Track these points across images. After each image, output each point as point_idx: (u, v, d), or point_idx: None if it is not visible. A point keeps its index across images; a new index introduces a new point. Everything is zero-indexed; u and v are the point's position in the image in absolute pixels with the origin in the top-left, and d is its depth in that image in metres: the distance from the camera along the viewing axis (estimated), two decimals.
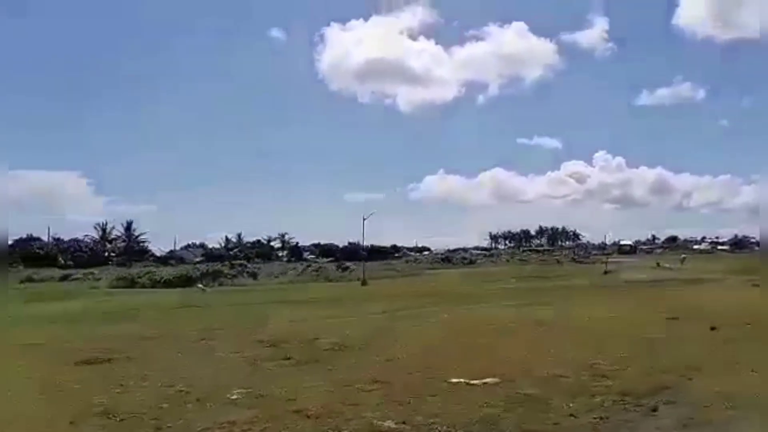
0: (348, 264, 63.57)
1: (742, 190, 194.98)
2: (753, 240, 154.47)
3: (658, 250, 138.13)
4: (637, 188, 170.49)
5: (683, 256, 74.13)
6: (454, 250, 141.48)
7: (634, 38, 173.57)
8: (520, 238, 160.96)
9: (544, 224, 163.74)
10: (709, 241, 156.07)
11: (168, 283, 48.67)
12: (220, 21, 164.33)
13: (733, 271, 41.76)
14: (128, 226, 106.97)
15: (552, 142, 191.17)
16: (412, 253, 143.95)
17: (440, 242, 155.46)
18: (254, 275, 55.87)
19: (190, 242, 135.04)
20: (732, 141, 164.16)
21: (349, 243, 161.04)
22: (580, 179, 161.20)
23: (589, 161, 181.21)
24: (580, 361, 10.58)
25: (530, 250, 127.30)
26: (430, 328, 16.04)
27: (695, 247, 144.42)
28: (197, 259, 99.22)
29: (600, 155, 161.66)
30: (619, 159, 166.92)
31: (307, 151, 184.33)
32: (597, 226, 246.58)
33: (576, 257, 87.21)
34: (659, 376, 9.36)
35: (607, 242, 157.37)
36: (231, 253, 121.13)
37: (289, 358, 11.62)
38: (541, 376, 9.47)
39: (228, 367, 11.10)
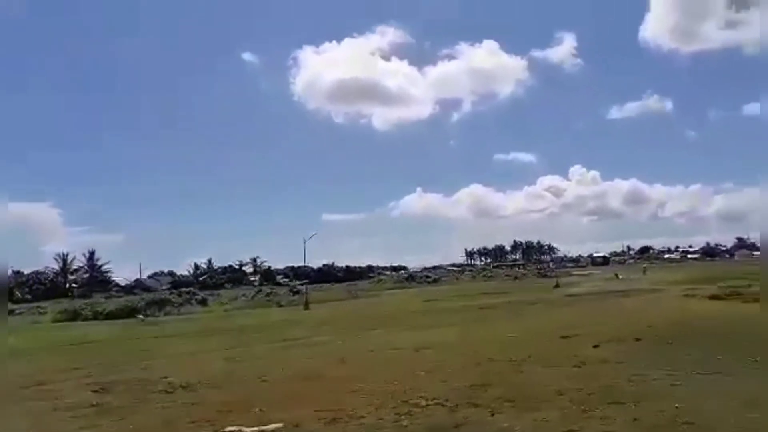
0: (300, 287, 62.31)
1: (714, 199, 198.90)
2: (723, 248, 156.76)
3: (630, 261, 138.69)
4: (612, 200, 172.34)
5: (644, 266, 74.30)
6: (432, 268, 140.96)
7: (602, 53, 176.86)
8: (496, 254, 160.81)
9: (519, 239, 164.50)
10: (681, 250, 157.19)
11: (110, 315, 46.89)
12: (192, 45, 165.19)
13: (682, 281, 41.32)
14: (90, 256, 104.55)
15: (528, 157, 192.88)
16: (388, 273, 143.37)
17: (419, 260, 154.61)
18: (204, 302, 54.29)
19: (158, 270, 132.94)
20: (701, 151, 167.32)
21: (324, 265, 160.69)
22: (557, 193, 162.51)
23: (565, 175, 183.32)
24: (401, 396, 9.66)
25: (503, 266, 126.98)
26: (294, 361, 15.00)
27: (666, 256, 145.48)
28: (164, 287, 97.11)
29: (575, 169, 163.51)
30: (594, 172, 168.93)
31: (284, 173, 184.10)
32: (575, 238, 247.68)
33: (541, 271, 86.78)
34: (465, 411, 8.46)
35: (583, 254, 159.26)
36: (200, 279, 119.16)
37: (95, 405, 10.52)
38: (337, 418, 8.50)
39: (21, 414, 9.99)
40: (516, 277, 70.76)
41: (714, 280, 36.84)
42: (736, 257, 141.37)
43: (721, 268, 74.55)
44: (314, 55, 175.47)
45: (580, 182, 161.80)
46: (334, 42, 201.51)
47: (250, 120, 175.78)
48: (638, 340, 14.75)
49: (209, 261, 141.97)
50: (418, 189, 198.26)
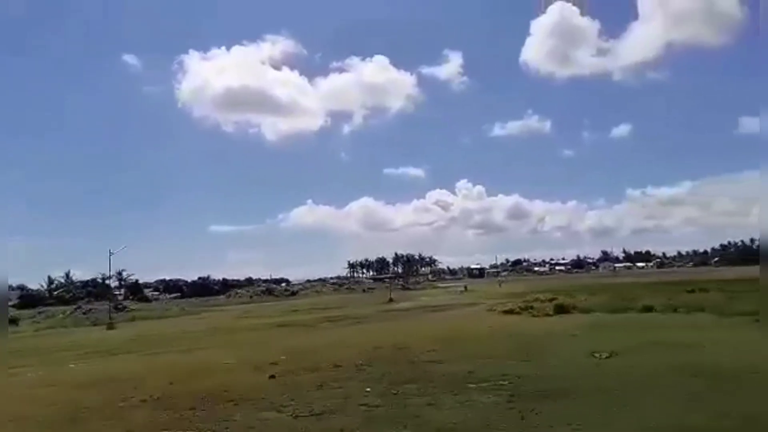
0: (126, 304, 57.49)
1: (587, 215, 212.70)
2: (590, 260, 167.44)
3: (504, 273, 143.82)
4: (496, 214, 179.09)
5: (500, 279, 76.37)
6: (316, 281, 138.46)
7: (486, 73, 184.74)
8: (378, 267, 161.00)
9: (408, 251, 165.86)
10: (554, 262, 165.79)
11: None
12: (68, 44, 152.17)
13: (512, 295, 41.55)
14: None
15: (416, 172, 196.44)
16: (266, 285, 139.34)
17: (307, 272, 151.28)
18: (15, 321, 48.19)
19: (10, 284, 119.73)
20: (576, 169, 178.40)
21: (200, 278, 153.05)
22: (445, 207, 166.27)
23: (452, 189, 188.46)
24: None
25: (385, 278, 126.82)
26: None
27: (536, 269, 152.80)
28: (11, 303, 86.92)
29: (462, 183, 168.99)
30: (480, 187, 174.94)
31: (170, 182, 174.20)
32: (462, 251, 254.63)
33: (405, 284, 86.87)
34: None
35: (467, 266, 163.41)
36: (56, 294, 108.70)
37: None
38: None
39: None
40: (364, 289, 69.33)
41: (546, 292, 37.10)
42: (600, 269, 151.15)
43: (571, 280, 78.25)
44: (201, 61, 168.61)
45: (467, 197, 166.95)
46: (222, 48, 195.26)
47: (131, 126, 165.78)
48: (337, 366, 13.23)
49: (66, 274, 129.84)
50: (309, 201, 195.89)
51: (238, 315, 38.94)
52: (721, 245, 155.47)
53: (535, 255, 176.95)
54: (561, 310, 25.40)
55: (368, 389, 10.30)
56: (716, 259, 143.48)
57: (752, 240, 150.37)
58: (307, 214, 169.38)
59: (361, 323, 26.35)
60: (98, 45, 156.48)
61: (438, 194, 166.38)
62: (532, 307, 27.12)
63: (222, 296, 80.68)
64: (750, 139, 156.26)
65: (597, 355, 13.09)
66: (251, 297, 72.08)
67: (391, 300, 44.54)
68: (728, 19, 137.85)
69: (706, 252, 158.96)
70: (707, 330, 16.80)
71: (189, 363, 15.93)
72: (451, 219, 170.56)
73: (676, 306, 22.25)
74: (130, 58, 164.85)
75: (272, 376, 12.21)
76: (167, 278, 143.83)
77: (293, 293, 76.63)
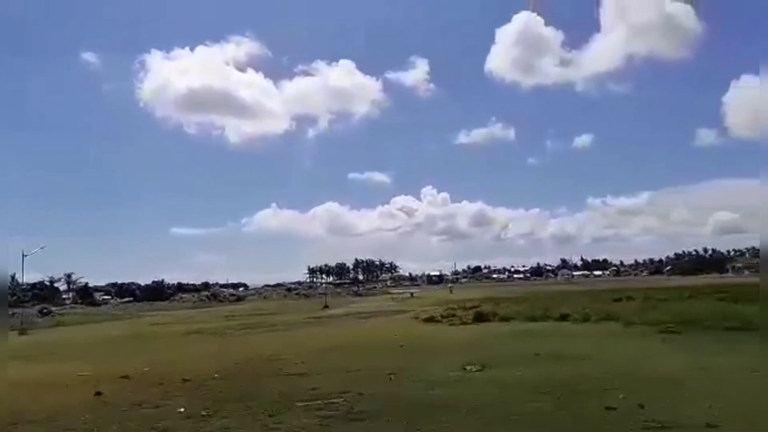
0: (51, 308, 54.94)
1: (550, 222, 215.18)
2: (549, 268, 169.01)
3: (464, 279, 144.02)
4: (460, 221, 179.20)
5: (450, 286, 76.00)
6: (274, 286, 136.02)
7: (452, 80, 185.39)
8: (338, 272, 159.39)
9: (372, 257, 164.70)
10: (513, 270, 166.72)
11: None
12: (26, 40, 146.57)
13: (450, 302, 40.67)
14: None
15: (381, 177, 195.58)
16: (227, 290, 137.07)
17: (269, 277, 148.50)
18: None
19: None
20: (539, 177, 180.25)
21: (153, 282, 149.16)
22: (409, 213, 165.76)
23: (417, 195, 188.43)
24: None
25: (344, 284, 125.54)
26: None
27: (494, 276, 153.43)
28: None
29: (427, 190, 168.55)
30: (444, 194, 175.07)
31: (130, 183, 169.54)
32: (427, 257, 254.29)
33: (357, 291, 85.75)
34: None
35: (431, 273, 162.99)
36: None
37: None
38: None
39: None
40: (305, 295, 67.77)
41: (488, 301, 36.25)
42: (558, 277, 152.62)
43: (523, 288, 78.29)
44: (164, 60, 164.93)
45: (431, 203, 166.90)
46: (186, 49, 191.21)
47: (91, 125, 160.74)
48: (186, 380, 12.01)
49: (12, 276, 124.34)
50: (273, 205, 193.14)
51: (164, 321, 37.15)
52: (676, 254, 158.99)
53: (498, 262, 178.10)
54: (480, 318, 24.66)
55: (182, 410, 9.09)
56: (669, 267, 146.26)
57: (705, 250, 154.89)
58: (271, 217, 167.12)
59: (275, 331, 25.06)
60: (56, 42, 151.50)
61: (403, 200, 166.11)
62: (454, 315, 26.37)
63: (167, 301, 78.17)
64: (706, 151, 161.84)
65: (469, 368, 12.17)
66: (194, 302, 69.86)
67: (326, 307, 43.31)
68: (686, 32, 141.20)
69: (661, 261, 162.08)
70: (607, 340, 16.15)
71: (45, 374, 14.49)
72: (416, 225, 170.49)
73: (590, 315, 21.61)
74: (89, 56, 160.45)
75: (98, 393, 10.87)
76: (121, 282, 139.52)
77: (239, 299, 74.69)
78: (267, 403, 9.33)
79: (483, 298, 42.26)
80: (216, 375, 12.56)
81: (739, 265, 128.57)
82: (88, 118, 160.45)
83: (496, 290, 66.14)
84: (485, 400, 8.98)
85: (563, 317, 22.44)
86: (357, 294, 76.43)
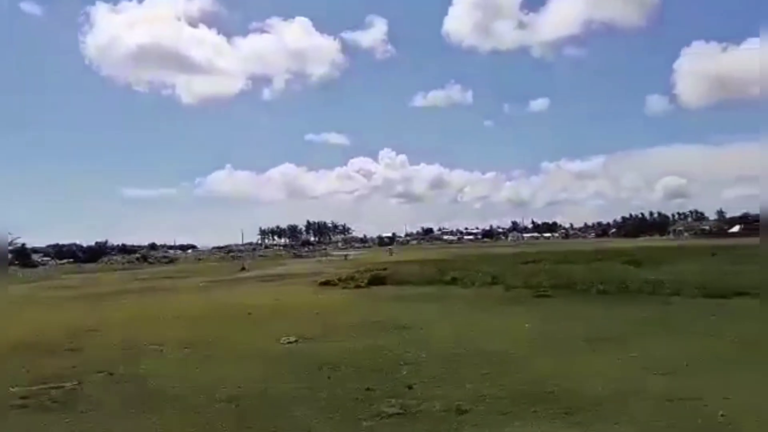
0: None
1: (505, 185, 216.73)
2: (501, 230, 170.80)
3: (414, 242, 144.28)
4: (418, 184, 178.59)
5: (390, 248, 75.56)
6: (221, 247, 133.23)
7: (410, 42, 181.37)
8: (290, 234, 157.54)
9: (329, 219, 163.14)
10: (465, 232, 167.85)
11: None
12: None
13: (357, 265, 39.64)
14: None
15: (339, 138, 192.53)
16: (172, 252, 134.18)
17: (221, 239, 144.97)
18: None
19: None
20: (495, 140, 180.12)
21: (96, 243, 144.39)
22: (367, 175, 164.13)
23: (375, 158, 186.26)
24: None
25: (294, 246, 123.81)
26: None
27: (445, 238, 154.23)
28: None
29: (385, 152, 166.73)
30: (402, 156, 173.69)
31: (76, 143, 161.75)
32: (385, 220, 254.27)
33: (296, 253, 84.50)
34: None
35: (387, 235, 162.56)
36: None
37: None
38: None
39: None
40: (235, 258, 65.66)
41: (410, 263, 35.42)
42: (509, 239, 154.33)
43: (465, 249, 78.27)
44: (110, 13, 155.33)
45: (389, 166, 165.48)
46: (134, 1, 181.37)
47: (32, 81, 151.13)
48: None
49: None
50: (228, 166, 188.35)
51: (66, 284, 35.09)
52: (623, 217, 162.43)
53: (455, 224, 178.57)
54: (376, 281, 23.74)
55: None
56: (613, 230, 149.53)
57: (651, 213, 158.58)
58: (225, 179, 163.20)
59: (154, 296, 23.39)
60: None
61: (361, 162, 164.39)
62: (353, 278, 25.32)
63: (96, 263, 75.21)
64: (657, 117, 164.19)
65: (284, 340, 11.02)
66: (123, 264, 67.33)
67: (243, 269, 41.86)
68: (643, 0, 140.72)
69: (608, 224, 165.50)
70: (463, 306, 15.33)
71: None
72: (374, 187, 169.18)
73: (476, 279, 20.85)
74: (28, 6, 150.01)
75: None
76: (62, 243, 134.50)
77: (171, 261, 72.39)
78: None
79: (413, 260, 41.59)
80: None
81: (680, 228, 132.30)
82: (29, 72, 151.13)
83: (436, 252, 65.75)
84: (238, 382, 7.84)
85: (453, 281, 21.70)
86: (297, 256, 75.02)
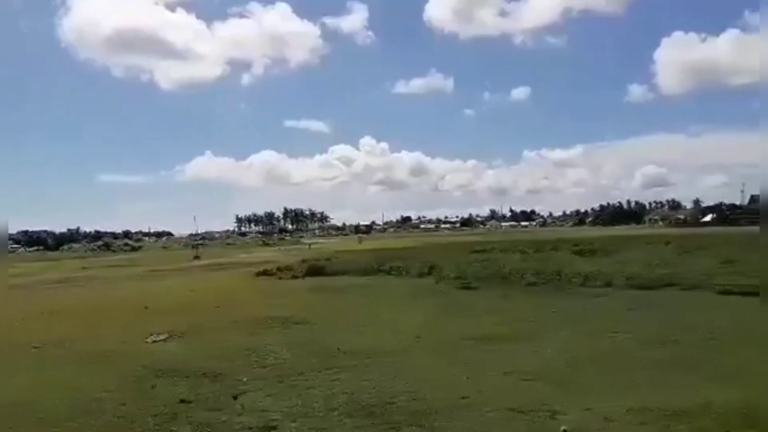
0: None
1: (486, 174, 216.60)
2: (479, 219, 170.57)
3: (391, 230, 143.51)
4: (399, 171, 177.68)
5: (359, 236, 74.73)
6: (195, 234, 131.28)
7: (390, 28, 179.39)
8: (267, 221, 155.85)
9: (303, 206, 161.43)
10: (444, 220, 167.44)
11: None
12: None
13: (311, 255, 38.77)
14: None
15: (319, 125, 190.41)
16: (147, 239, 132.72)
17: (198, 226, 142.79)
18: None
19: None
20: (476, 129, 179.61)
21: (68, 230, 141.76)
22: (348, 162, 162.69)
23: (355, 145, 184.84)
24: None
25: (269, 233, 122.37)
26: None
27: (422, 226, 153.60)
28: None
29: (365, 140, 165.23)
30: (383, 144, 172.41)
31: (52, 127, 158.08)
32: (366, 208, 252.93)
33: (265, 241, 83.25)
34: None
35: (360, 223, 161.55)
36: None
37: None
38: None
39: None
40: (195, 246, 64.10)
41: (368, 252, 34.55)
42: (487, 227, 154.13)
43: (436, 238, 77.60)
44: None
45: (370, 153, 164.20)
46: None
47: (7, 65, 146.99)
48: None
49: None
50: (208, 152, 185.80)
51: (12, 273, 33.80)
52: (601, 206, 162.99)
53: (435, 213, 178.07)
54: (313, 272, 22.72)
55: None
56: (590, 219, 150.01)
57: (629, 202, 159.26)
58: (205, 165, 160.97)
59: (87, 286, 22.35)
60: None
61: (341, 149, 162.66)
62: (290, 269, 24.33)
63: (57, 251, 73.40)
64: (637, 106, 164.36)
65: (151, 339, 10.00)
66: (84, 252, 65.66)
67: (196, 257, 40.68)
68: None
69: (586, 212, 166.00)
70: (381, 298, 14.46)
71: None
72: (354, 175, 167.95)
73: (411, 270, 19.99)
74: None
75: None
76: (32, 229, 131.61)
77: (134, 248, 70.81)
78: None
79: (376, 248, 40.74)
80: None
81: (656, 217, 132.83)
82: (3, 56, 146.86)
83: (407, 240, 64.96)
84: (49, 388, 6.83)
85: (389, 271, 20.81)
86: (266, 244, 73.78)
